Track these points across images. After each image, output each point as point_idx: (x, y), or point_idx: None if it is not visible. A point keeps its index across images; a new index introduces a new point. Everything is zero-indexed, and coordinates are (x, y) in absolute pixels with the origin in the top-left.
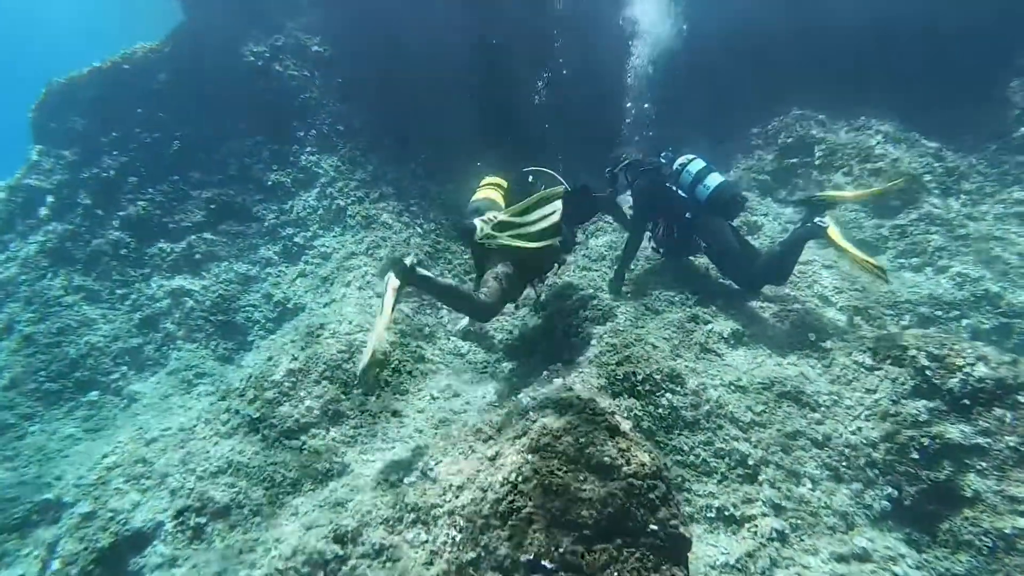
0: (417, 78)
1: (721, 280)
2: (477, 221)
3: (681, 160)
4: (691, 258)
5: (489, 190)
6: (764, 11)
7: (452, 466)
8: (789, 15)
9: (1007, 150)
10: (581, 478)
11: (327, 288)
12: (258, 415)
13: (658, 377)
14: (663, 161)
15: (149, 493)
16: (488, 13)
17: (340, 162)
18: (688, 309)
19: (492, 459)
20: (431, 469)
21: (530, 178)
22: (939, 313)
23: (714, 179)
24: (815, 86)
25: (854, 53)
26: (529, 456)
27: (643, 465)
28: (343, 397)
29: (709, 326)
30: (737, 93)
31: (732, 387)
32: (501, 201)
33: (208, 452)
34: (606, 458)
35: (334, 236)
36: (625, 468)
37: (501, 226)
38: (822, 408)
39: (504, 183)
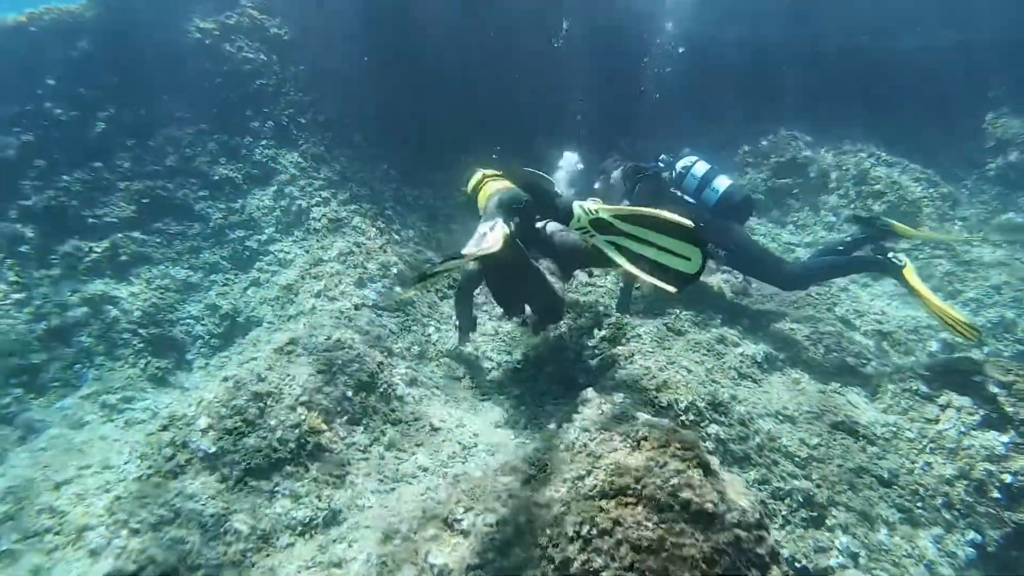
0: (391, 71)
1: (737, 301)
2: (577, 206)
3: (683, 163)
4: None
5: (503, 181)
6: (749, 32)
7: (488, 515)
8: (773, 37)
9: (985, 180)
10: (678, 530)
11: (291, 299)
12: (215, 449)
13: (701, 405)
14: (662, 165)
15: (59, 554)
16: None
17: (302, 159)
18: (713, 330)
19: (544, 505)
20: (459, 519)
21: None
22: (959, 339)
23: (722, 181)
24: (796, 107)
25: (834, 77)
26: (603, 502)
27: (745, 512)
28: (325, 427)
29: (739, 349)
30: (722, 111)
31: (780, 417)
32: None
33: (146, 497)
34: (708, 504)
35: (294, 241)
36: (728, 516)
37: (599, 224)
38: (880, 441)
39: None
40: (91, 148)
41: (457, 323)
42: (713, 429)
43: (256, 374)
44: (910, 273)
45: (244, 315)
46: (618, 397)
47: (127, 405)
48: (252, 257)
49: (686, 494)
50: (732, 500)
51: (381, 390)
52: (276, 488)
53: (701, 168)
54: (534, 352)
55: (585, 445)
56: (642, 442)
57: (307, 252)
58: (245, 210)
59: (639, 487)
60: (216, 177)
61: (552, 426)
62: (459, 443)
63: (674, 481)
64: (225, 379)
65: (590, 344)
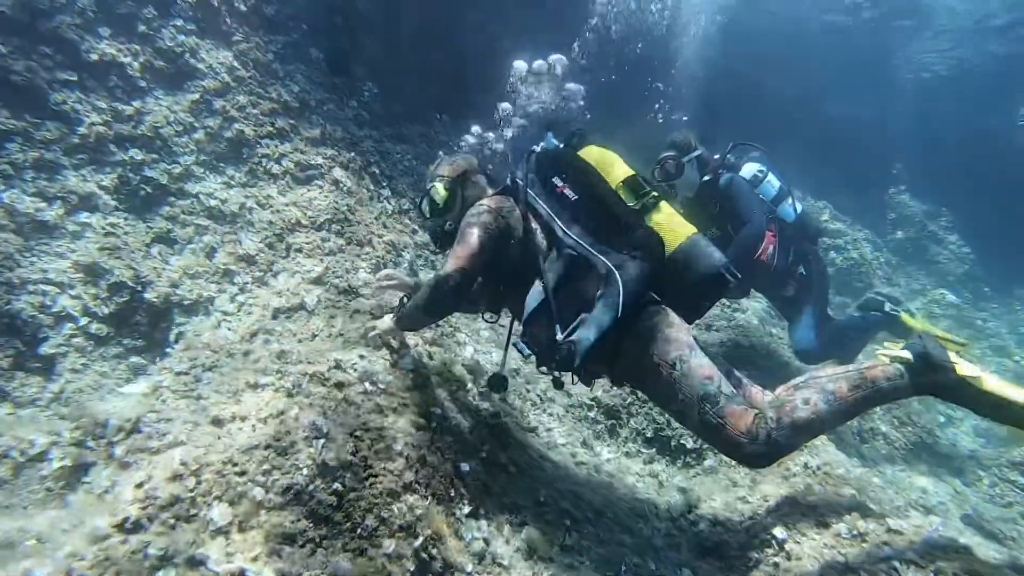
0: None
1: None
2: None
3: (755, 168)
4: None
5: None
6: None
7: None
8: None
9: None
10: None
11: (263, 280)
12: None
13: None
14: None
15: None
16: None
17: (239, 63)
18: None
19: None
20: None
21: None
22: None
23: (797, 203)
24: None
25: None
26: None
27: None
28: (447, 530)
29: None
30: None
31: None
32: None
33: None
34: None
35: (228, 183)
36: None
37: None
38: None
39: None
40: None
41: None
42: None
43: (310, 425)
44: (907, 318)
45: (158, 291)
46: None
47: None
48: (157, 198)
49: None
50: None
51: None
52: None
53: (775, 180)
54: (604, 393)
55: None
56: None
57: (265, 208)
58: (145, 120)
59: None
60: (92, 56)
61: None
62: (630, 548)
63: None
64: (218, 421)
65: None
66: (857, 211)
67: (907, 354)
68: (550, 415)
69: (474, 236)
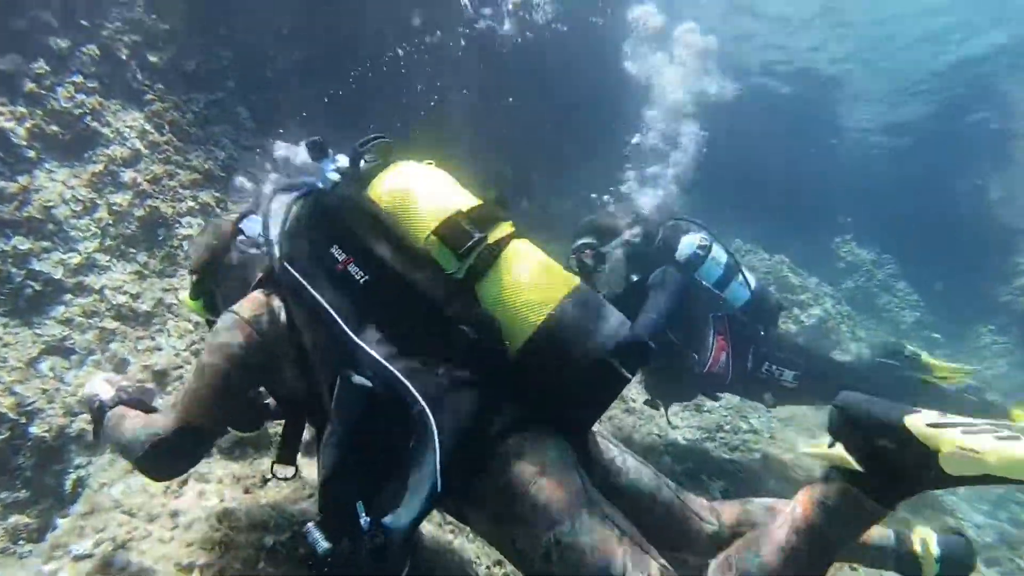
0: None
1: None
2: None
3: (695, 240)
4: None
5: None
6: None
7: None
8: None
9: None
10: None
11: None
12: None
13: None
14: (636, 240)
15: None
16: None
17: (151, 126)
18: None
19: None
20: None
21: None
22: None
23: (749, 276)
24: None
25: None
26: None
27: None
28: None
29: None
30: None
31: None
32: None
33: None
34: None
35: (140, 274)
36: None
37: None
38: None
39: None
40: None
41: None
42: None
43: None
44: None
45: (49, 422)
46: None
47: None
48: (48, 295)
49: None
50: None
51: None
52: None
53: (721, 253)
54: None
55: None
56: None
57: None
58: (33, 199)
59: None
60: None
61: None
62: None
63: None
64: None
65: None
66: (806, 261)
67: (840, 452)
68: None
69: (207, 375)
